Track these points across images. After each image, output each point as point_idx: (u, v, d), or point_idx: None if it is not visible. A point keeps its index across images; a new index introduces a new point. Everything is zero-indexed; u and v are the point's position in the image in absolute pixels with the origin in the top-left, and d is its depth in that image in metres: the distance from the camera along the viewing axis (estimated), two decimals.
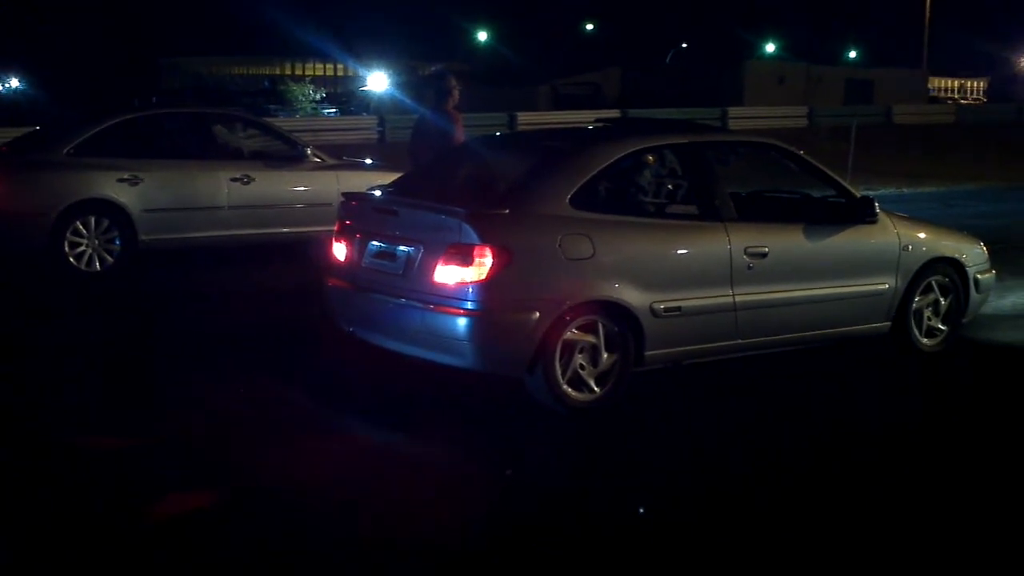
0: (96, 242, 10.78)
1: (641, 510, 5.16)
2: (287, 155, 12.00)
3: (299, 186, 11.84)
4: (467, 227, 6.15)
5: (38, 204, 10.64)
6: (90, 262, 10.76)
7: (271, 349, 8.00)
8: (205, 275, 11.06)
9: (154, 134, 11.64)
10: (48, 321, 9.07)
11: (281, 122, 25.14)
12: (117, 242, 10.88)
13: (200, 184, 11.36)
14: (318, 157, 12.06)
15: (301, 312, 8.71)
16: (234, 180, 11.44)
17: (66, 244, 10.63)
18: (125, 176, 10.91)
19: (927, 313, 7.91)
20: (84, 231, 10.72)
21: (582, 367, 6.39)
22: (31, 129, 15.15)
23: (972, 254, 8.19)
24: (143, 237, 10.98)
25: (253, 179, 11.53)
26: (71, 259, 10.66)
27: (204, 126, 12.02)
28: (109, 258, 10.85)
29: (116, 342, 8.34)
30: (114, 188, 10.85)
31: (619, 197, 6.98)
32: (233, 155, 11.80)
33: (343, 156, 13.25)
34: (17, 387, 7.09)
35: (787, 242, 7.20)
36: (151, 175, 11.05)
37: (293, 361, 7.69)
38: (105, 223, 10.81)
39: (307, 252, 10.29)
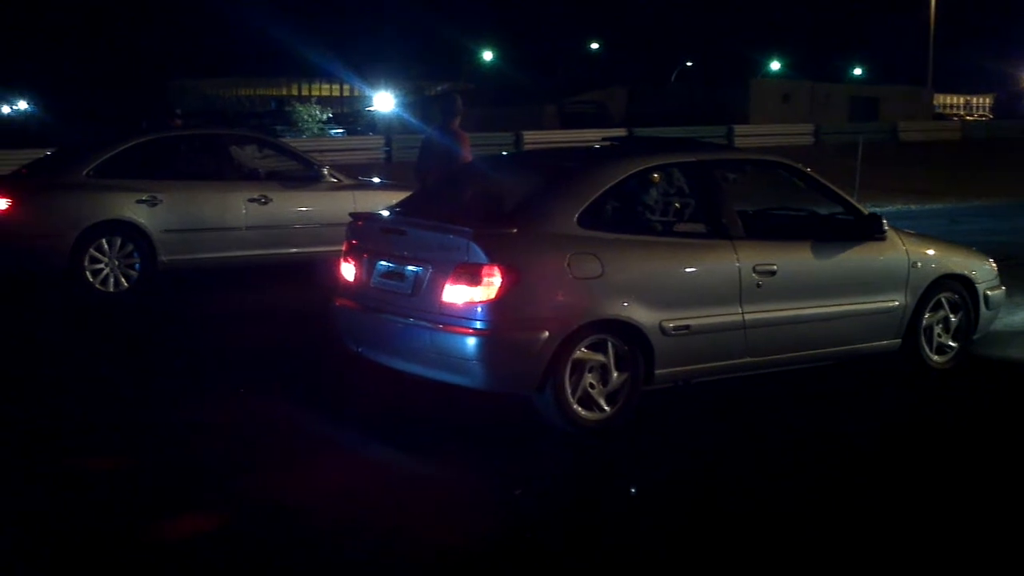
0: (116, 262, 10.90)
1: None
2: (304, 175, 12.13)
3: (316, 206, 11.88)
4: (475, 247, 6.15)
5: (59, 225, 10.75)
6: (110, 282, 10.85)
7: (284, 368, 8.02)
8: (222, 295, 11.10)
9: (172, 155, 11.77)
10: (68, 340, 9.15)
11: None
12: (137, 263, 10.98)
13: (218, 205, 11.45)
14: (335, 177, 12.16)
15: (315, 332, 8.70)
16: (252, 201, 11.54)
17: (86, 264, 10.73)
18: (144, 197, 11.02)
19: (937, 330, 7.88)
20: (104, 252, 10.83)
21: (592, 386, 6.37)
22: (40, 151, 15.24)
23: (981, 270, 8.16)
24: (162, 257, 11.09)
25: (271, 199, 11.62)
26: (91, 279, 10.76)
27: (222, 147, 12.14)
28: (131, 276, 10.96)
29: (133, 361, 8.38)
30: (133, 209, 10.96)
31: (627, 216, 6.97)
32: (251, 176, 11.92)
33: (359, 176, 13.33)
34: (36, 403, 7.15)
35: (796, 260, 7.19)
36: (170, 196, 11.16)
37: (304, 381, 7.68)
38: (125, 244, 10.92)
39: (318, 272, 10.31)
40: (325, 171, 12.15)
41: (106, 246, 10.83)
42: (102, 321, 10.02)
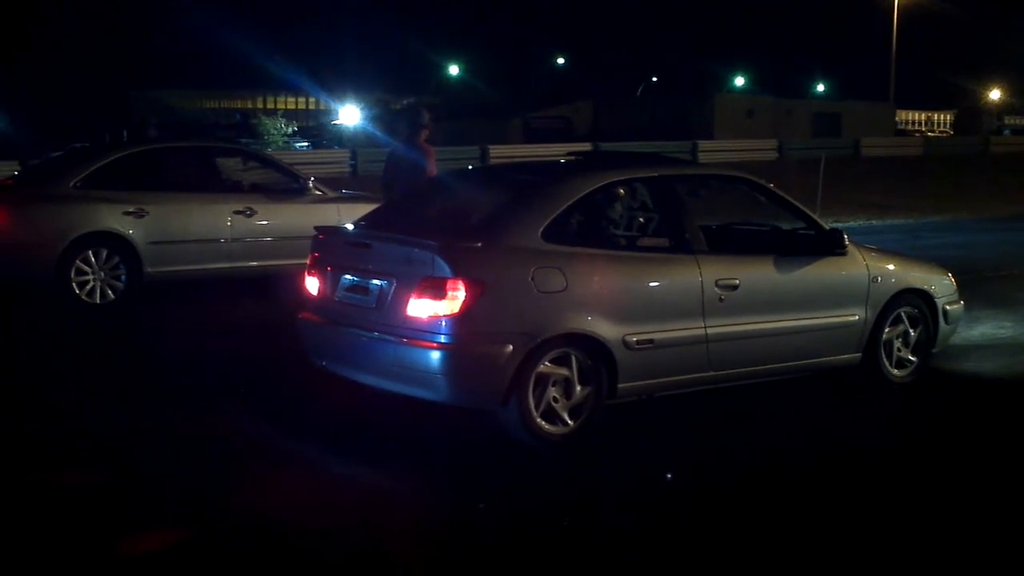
0: (102, 274, 10.88)
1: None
2: (289, 188, 12.22)
3: (301, 218, 11.82)
4: (440, 260, 6.16)
5: (45, 236, 10.74)
6: (96, 294, 10.83)
7: (256, 381, 8.02)
8: (206, 307, 11.15)
9: (159, 168, 11.80)
10: (52, 352, 9.19)
11: None
12: (123, 275, 10.97)
13: (204, 217, 11.48)
14: (319, 190, 12.26)
15: (290, 345, 8.69)
16: (237, 213, 11.59)
17: (73, 276, 10.71)
18: (131, 209, 11.03)
19: (897, 344, 7.96)
20: (90, 263, 10.82)
21: (555, 400, 6.39)
22: (4, 163, 15.17)
23: (941, 285, 8.26)
24: (148, 269, 11.08)
25: (256, 211, 11.68)
26: (77, 291, 10.74)
27: (208, 160, 12.20)
28: (117, 287, 10.95)
29: (116, 373, 8.40)
30: (120, 221, 10.96)
31: (591, 230, 7.00)
32: (236, 188, 11.98)
33: (342, 189, 13.42)
34: (17, 414, 7.18)
35: (758, 274, 7.25)
36: (156, 208, 11.18)
37: (274, 394, 7.67)
38: (111, 255, 10.91)
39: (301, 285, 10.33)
40: (310, 183, 12.25)
41: (92, 258, 10.81)
42: (87, 333, 10.02)
